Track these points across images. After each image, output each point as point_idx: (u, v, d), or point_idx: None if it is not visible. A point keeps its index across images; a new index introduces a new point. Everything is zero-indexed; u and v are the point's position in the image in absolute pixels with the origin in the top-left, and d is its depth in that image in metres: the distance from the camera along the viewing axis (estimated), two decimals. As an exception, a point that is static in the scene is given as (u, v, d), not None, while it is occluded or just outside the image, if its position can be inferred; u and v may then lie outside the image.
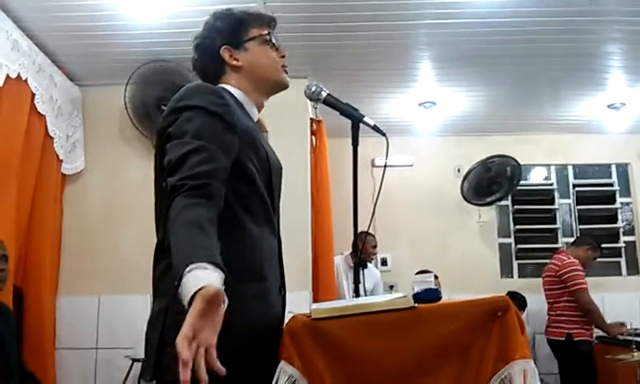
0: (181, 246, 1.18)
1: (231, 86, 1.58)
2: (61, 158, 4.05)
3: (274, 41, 1.63)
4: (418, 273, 4.74)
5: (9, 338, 2.94)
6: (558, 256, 4.72)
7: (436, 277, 4.50)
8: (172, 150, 1.34)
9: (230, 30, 1.59)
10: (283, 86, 1.66)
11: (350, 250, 4.36)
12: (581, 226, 5.88)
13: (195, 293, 1.07)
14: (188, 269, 1.10)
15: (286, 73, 1.65)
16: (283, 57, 1.65)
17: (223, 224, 1.39)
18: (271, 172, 1.55)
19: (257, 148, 1.50)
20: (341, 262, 4.80)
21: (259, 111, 1.66)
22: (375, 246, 5.04)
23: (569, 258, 4.59)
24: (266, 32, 1.62)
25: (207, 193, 1.27)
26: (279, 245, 1.62)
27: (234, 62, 1.59)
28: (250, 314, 1.41)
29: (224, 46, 1.59)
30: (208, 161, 1.30)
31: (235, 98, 1.55)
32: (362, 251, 4.82)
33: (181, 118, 1.37)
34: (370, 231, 4.58)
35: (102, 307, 4.15)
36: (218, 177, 1.31)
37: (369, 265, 4.98)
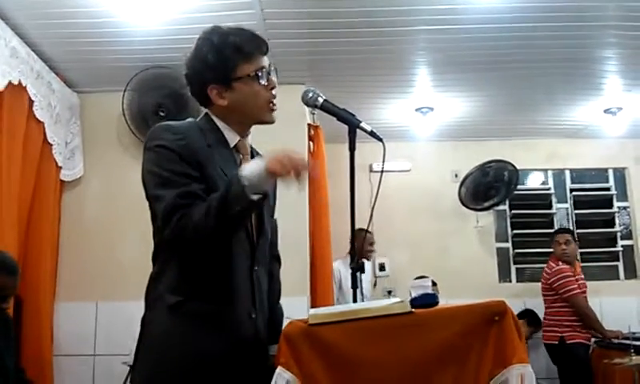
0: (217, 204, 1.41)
1: (214, 115, 1.65)
2: (59, 164, 4.05)
3: (261, 77, 1.62)
4: (417, 279, 4.76)
5: (7, 345, 2.93)
6: (548, 262, 4.75)
7: (435, 283, 4.57)
8: (152, 199, 1.54)
9: (218, 68, 1.59)
10: (268, 123, 1.68)
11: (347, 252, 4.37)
12: (578, 231, 5.88)
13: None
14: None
15: (273, 109, 1.66)
16: (272, 89, 1.65)
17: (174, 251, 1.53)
18: None
19: (214, 175, 1.54)
20: (342, 266, 4.77)
21: (244, 136, 1.69)
22: (372, 244, 4.97)
23: (557, 265, 4.62)
24: (254, 69, 1.61)
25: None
26: (253, 267, 1.63)
27: (220, 101, 1.62)
28: (196, 336, 1.49)
29: (212, 85, 1.61)
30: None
31: (214, 123, 1.64)
32: (360, 250, 4.83)
33: (147, 156, 1.57)
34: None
35: (99, 313, 4.14)
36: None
37: (367, 268, 4.97)
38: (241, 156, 1.68)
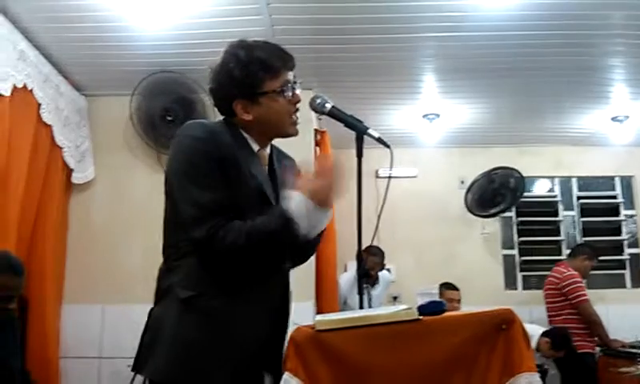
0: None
1: (238, 123, 1.65)
2: (71, 167, 4.08)
3: (286, 91, 1.63)
4: (442, 285, 4.73)
5: (12, 347, 2.94)
6: (557, 269, 4.71)
7: (457, 288, 4.52)
8: (179, 200, 1.53)
9: (245, 83, 1.60)
10: (291, 136, 1.69)
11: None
12: (585, 238, 5.86)
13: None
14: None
15: (296, 122, 1.68)
16: (297, 103, 1.66)
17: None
18: (261, 198, 1.58)
19: (242, 175, 1.55)
20: (348, 282, 4.65)
21: (263, 147, 1.70)
22: (374, 266, 4.70)
23: (568, 271, 4.57)
24: (280, 84, 1.62)
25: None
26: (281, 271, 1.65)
27: (245, 116, 1.63)
28: (212, 332, 1.48)
29: (237, 100, 1.62)
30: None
31: (238, 129, 1.65)
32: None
33: (177, 145, 1.57)
34: (375, 244, 4.51)
35: (106, 316, 4.15)
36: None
37: (381, 281, 4.88)
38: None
